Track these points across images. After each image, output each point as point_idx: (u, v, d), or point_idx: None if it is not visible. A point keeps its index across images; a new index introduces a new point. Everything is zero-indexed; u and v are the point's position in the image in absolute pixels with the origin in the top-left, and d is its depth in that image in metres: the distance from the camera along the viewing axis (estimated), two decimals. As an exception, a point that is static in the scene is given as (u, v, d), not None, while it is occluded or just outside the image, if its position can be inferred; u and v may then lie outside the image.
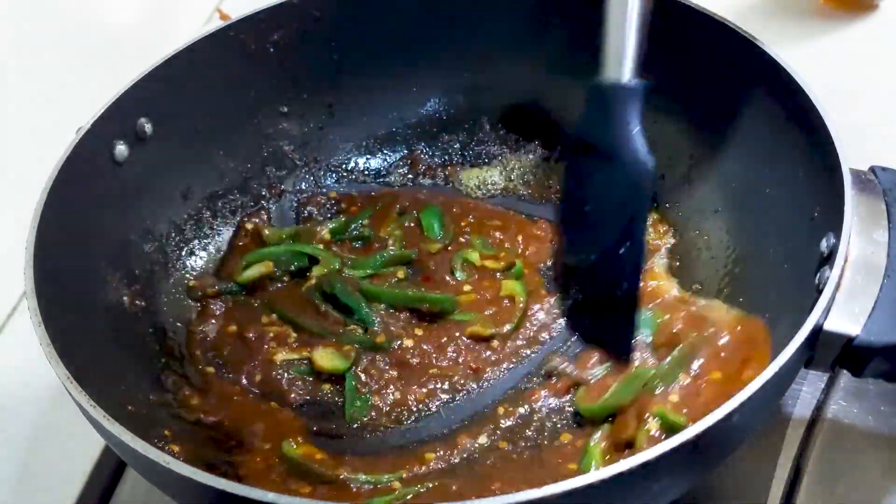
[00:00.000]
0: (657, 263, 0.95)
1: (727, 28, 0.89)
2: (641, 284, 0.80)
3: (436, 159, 1.09)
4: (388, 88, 1.07)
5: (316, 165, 1.07)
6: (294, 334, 0.91)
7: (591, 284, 0.81)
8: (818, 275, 0.72)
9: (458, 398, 0.86)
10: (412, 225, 1.01)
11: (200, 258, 0.99)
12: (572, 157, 0.83)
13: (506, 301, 0.93)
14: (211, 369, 0.88)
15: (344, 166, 1.08)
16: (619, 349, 0.81)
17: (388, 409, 0.85)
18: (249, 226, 1.01)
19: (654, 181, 0.77)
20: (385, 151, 1.10)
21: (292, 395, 0.86)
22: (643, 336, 0.85)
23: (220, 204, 1.01)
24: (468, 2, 1.02)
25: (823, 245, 0.74)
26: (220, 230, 1.01)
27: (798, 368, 0.70)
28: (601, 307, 0.81)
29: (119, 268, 0.89)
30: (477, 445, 0.81)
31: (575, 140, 0.81)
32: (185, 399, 0.85)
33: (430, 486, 0.76)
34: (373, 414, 0.85)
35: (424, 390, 0.86)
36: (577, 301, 0.83)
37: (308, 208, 1.04)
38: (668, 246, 0.96)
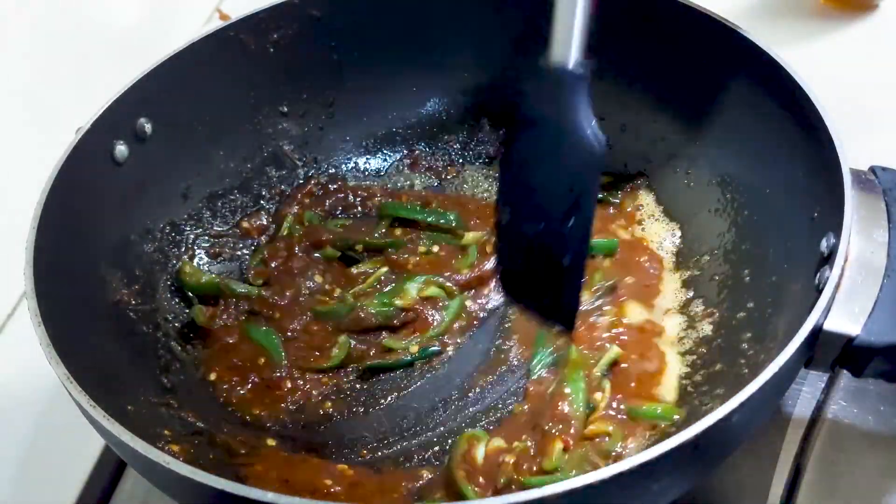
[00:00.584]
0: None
1: (727, 28, 0.89)
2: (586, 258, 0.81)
3: (436, 159, 1.09)
4: (388, 88, 1.07)
5: (316, 165, 1.07)
6: None
7: (535, 256, 0.81)
8: (818, 275, 0.72)
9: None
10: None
11: (200, 258, 0.98)
12: (518, 131, 0.82)
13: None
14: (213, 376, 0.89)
15: (344, 166, 1.08)
16: (563, 320, 0.82)
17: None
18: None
19: (601, 158, 0.76)
20: (385, 151, 1.10)
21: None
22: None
23: (219, 204, 1.01)
24: (468, 2, 1.02)
25: (823, 245, 0.74)
26: (220, 230, 1.01)
27: (798, 368, 0.70)
28: (546, 278, 0.81)
29: (119, 268, 0.89)
30: None
31: (522, 116, 0.81)
32: (184, 401, 0.85)
33: None
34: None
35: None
36: (519, 272, 0.84)
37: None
38: (673, 241, 0.97)
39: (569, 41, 0.74)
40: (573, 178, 0.77)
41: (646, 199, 1.01)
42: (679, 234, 0.97)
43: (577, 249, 0.79)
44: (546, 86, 0.78)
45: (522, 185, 0.81)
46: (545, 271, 0.81)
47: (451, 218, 1.01)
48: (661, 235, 0.98)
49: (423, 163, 1.09)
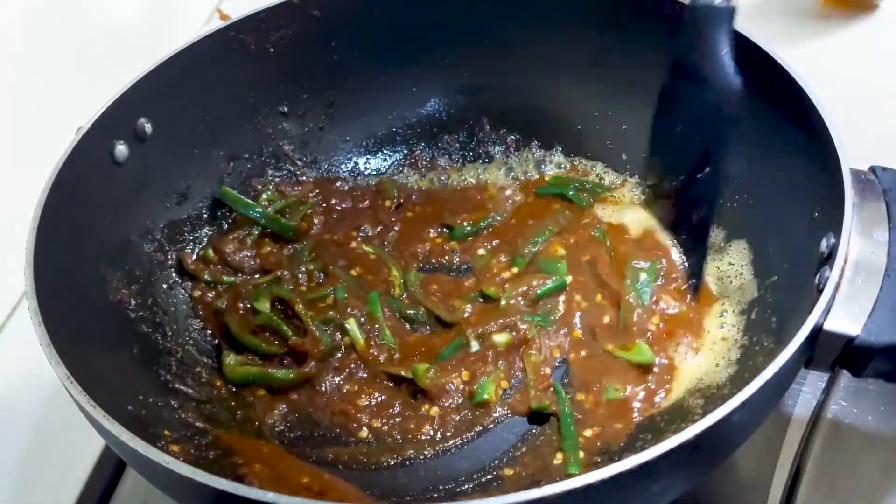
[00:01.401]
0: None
1: (727, 28, 0.89)
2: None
3: (436, 159, 1.09)
4: (388, 88, 1.07)
5: (316, 165, 1.07)
6: None
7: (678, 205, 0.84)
8: (818, 275, 0.72)
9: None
10: None
11: (202, 251, 0.98)
12: (668, 81, 0.85)
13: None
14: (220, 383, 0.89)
15: (344, 166, 1.08)
16: (689, 275, 0.84)
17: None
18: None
19: (737, 101, 0.80)
20: (385, 151, 1.10)
21: None
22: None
23: (220, 204, 1.01)
24: (468, 2, 1.02)
25: (823, 245, 0.74)
26: (220, 230, 1.01)
27: (798, 368, 0.70)
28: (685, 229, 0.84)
29: (119, 268, 0.89)
30: None
31: (672, 64, 0.84)
32: (185, 403, 0.85)
33: None
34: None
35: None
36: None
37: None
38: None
39: None
40: (709, 125, 0.79)
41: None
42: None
43: (707, 202, 0.80)
44: (691, 27, 0.80)
45: (668, 135, 0.83)
46: (683, 225, 0.83)
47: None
48: (665, 235, 0.97)
49: (424, 163, 1.09)
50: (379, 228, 1.02)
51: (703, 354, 0.85)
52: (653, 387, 0.82)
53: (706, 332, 0.86)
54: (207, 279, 0.96)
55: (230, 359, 0.89)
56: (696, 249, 0.83)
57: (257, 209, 1.00)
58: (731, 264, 0.90)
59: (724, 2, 0.78)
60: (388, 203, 1.04)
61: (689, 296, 0.87)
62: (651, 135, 0.86)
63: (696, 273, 0.85)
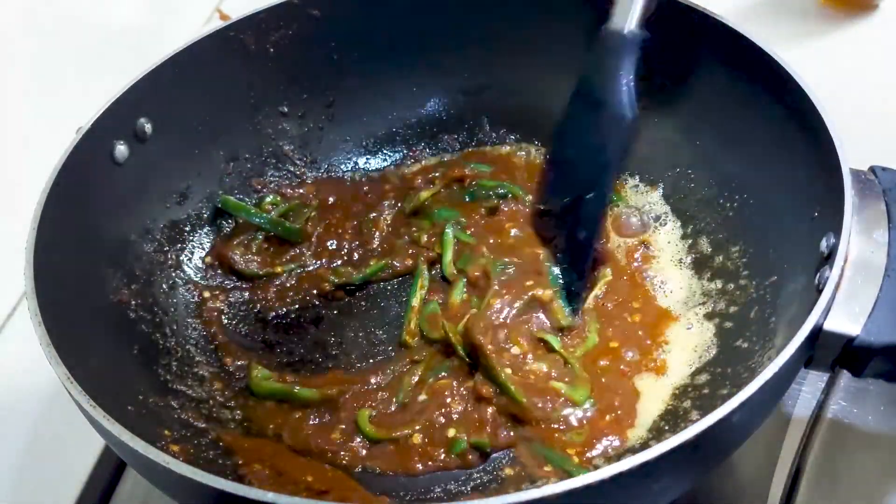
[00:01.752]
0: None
1: (727, 28, 0.89)
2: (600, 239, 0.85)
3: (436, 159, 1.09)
4: (387, 88, 1.07)
5: (316, 165, 1.07)
6: None
7: (561, 224, 0.86)
8: (818, 275, 0.72)
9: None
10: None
11: (200, 258, 0.98)
12: (570, 102, 0.86)
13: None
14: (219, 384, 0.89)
15: (344, 166, 1.08)
16: (570, 301, 0.85)
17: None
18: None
19: (632, 133, 0.82)
20: (385, 151, 1.10)
21: None
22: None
23: (219, 203, 1.01)
24: (468, 2, 1.02)
25: (823, 245, 0.74)
26: (221, 230, 1.01)
27: (798, 368, 0.70)
28: (567, 253, 0.85)
29: (119, 268, 0.89)
30: None
31: (576, 86, 0.85)
32: (185, 403, 0.85)
33: None
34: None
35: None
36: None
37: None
38: (675, 241, 0.97)
39: (627, 10, 0.81)
40: (601, 150, 0.81)
41: (651, 199, 1.00)
42: (682, 233, 0.97)
43: (591, 224, 0.81)
44: (598, 53, 0.82)
45: (562, 157, 0.84)
46: (567, 246, 0.84)
47: None
48: (665, 235, 0.97)
49: (424, 162, 1.09)
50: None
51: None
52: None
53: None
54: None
55: (257, 372, 0.88)
56: (577, 269, 0.84)
57: (261, 215, 0.99)
58: (730, 263, 0.90)
59: (631, 30, 0.80)
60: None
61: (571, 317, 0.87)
62: (549, 155, 0.88)
63: (575, 293, 0.85)
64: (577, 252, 0.83)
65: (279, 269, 0.97)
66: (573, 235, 0.83)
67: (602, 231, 0.84)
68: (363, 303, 0.97)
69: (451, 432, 0.81)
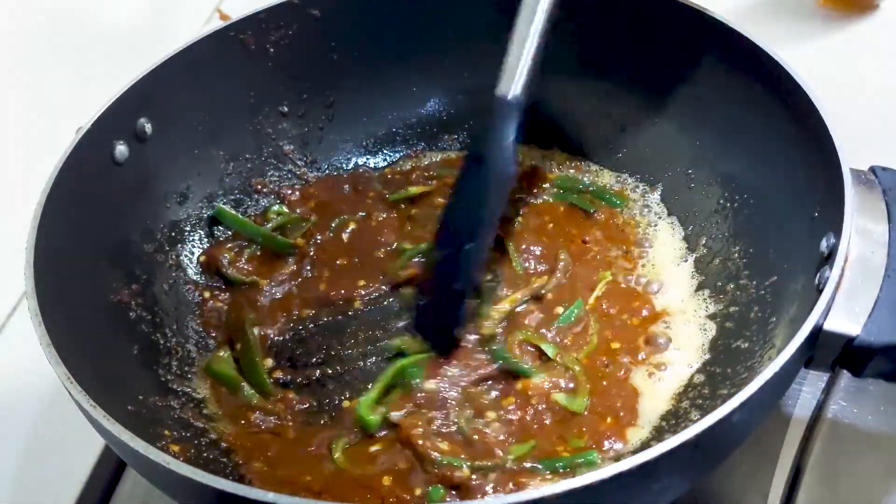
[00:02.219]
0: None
1: (727, 28, 0.89)
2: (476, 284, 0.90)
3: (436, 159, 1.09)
4: (388, 88, 1.07)
5: (316, 165, 1.07)
6: None
7: (432, 281, 0.90)
8: (818, 275, 0.72)
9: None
10: None
11: (201, 258, 0.98)
12: (463, 163, 0.93)
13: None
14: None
15: (344, 166, 1.08)
16: (440, 343, 0.87)
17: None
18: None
19: (505, 184, 0.90)
20: (385, 151, 1.10)
21: None
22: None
23: (220, 203, 1.01)
24: (468, 2, 1.02)
25: (823, 245, 0.74)
26: (221, 230, 1.01)
27: (798, 368, 0.70)
28: (439, 302, 0.89)
29: (119, 268, 0.89)
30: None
31: (469, 148, 0.94)
32: (185, 403, 0.85)
33: None
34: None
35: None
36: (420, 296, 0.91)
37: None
38: (675, 241, 0.97)
39: (513, 76, 0.87)
40: (485, 202, 0.88)
41: (651, 199, 1.00)
42: (682, 233, 0.97)
43: (466, 275, 0.87)
44: (487, 115, 0.89)
45: (452, 213, 0.91)
46: (441, 295, 0.88)
47: None
48: (665, 235, 0.98)
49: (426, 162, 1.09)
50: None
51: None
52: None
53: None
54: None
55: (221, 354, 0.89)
56: (452, 314, 0.87)
57: (254, 228, 0.99)
58: (731, 263, 0.90)
59: (515, 96, 0.86)
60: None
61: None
62: (443, 212, 0.93)
63: (447, 343, 0.87)
64: (454, 299, 0.87)
65: (262, 282, 0.96)
66: (447, 283, 0.87)
67: (476, 281, 0.89)
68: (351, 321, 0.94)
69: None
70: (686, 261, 0.95)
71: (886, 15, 1.25)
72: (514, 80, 0.87)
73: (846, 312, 0.69)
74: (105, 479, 0.91)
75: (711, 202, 0.95)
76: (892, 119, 1.10)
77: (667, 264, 0.95)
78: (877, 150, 0.83)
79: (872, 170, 0.78)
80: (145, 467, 0.65)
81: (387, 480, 0.78)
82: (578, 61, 1.02)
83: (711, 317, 0.88)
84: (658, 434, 0.80)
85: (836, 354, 0.70)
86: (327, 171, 1.08)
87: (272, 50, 1.01)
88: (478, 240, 0.87)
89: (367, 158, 1.09)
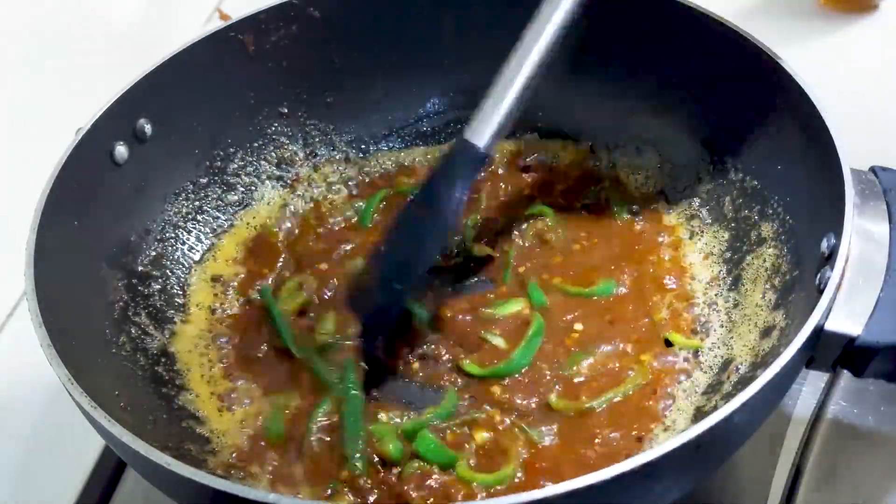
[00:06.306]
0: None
1: (727, 29, 0.89)
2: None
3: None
4: (387, 89, 1.07)
5: (316, 165, 1.07)
6: None
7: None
8: (819, 275, 0.72)
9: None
10: None
11: (200, 258, 0.98)
12: (406, 205, 0.89)
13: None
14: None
15: (344, 166, 1.08)
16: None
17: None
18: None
19: (447, 233, 0.87)
20: (385, 151, 1.09)
21: None
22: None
23: (220, 204, 1.01)
24: (468, 2, 1.02)
25: (824, 245, 0.74)
26: (220, 230, 1.01)
27: (799, 369, 0.70)
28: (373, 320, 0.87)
29: (119, 268, 0.89)
30: None
31: (418, 189, 0.89)
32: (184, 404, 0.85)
33: None
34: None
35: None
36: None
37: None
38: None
39: (489, 123, 0.82)
40: (423, 241, 0.84)
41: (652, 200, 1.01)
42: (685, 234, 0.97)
43: (397, 304, 0.85)
44: (447, 157, 0.85)
45: (392, 238, 0.87)
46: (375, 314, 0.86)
47: None
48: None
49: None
50: None
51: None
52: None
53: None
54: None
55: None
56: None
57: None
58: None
59: (484, 147, 0.81)
60: None
61: None
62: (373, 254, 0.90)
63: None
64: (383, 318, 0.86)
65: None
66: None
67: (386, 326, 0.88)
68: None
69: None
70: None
71: (886, 15, 1.25)
72: (490, 127, 0.82)
73: (847, 313, 0.69)
74: (105, 479, 0.91)
75: (711, 202, 0.95)
76: (892, 119, 1.10)
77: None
78: (877, 150, 0.83)
79: (873, 170, 0.78)
80: (145, 467, 0.65)
81: None
82: (578, 62, 1.01)
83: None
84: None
85: (836, 355, 0.70)
86: (327, 172, 1.08)
87: (272, 50, 1.00)
88: (405, 285, 0.84)
89: (367, 158, 1.09)
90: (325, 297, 0.93)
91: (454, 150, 0.84)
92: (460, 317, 0.90)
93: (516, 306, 0.90)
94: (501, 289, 0.93)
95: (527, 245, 0.97)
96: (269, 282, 0.96)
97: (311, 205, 1.04)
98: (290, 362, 0.89)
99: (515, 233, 0.98)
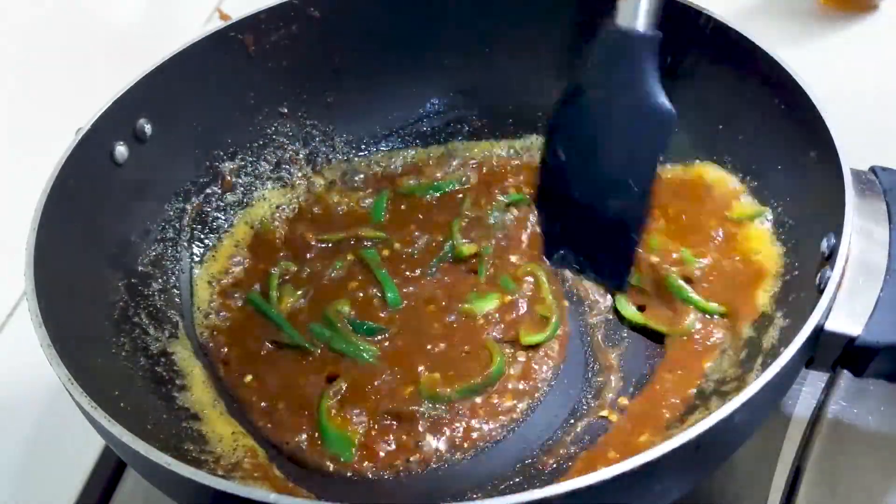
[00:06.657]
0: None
1: (727, 28, 0.89)
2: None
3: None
4: (388, 88, 1.07)
5: (316, 165, 1.07)
6: None
7: (588, 221, 0.85)
8: (819, 275, 0.72)
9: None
10: None
11: (200, 258, 0.98)
12: (574, 96, 0.83)
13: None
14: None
15: (344, 166, 1.08)
16: (616, 280, 0.86)
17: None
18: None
19: (672, 126, 0.81)
20: (385, 151, 1.09)
21: None
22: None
23: (220, 204, 1.01)
24: (468, 2, 1.02)
25: (824, 245, 0.74)
26: (220, 230, 1.01)
27: (799, 369, 0.70)
28: (600, 242, 0.85)
29: (119, 268, 0.89)
30: None
31: (579, 82, 0.83)
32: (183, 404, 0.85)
33: None
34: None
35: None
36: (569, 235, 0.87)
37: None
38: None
39: (638, 5, 0.76)
40: (637, 146, 0.80)
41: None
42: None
43: (639, 214, 0.82)
44: (610, 51, 0.79)
45: (576, 151, 0.82)
46: (600, 235, 0.83)
47: None
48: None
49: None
50: None
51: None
52: None
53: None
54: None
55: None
56: (624, 257, 0.86)
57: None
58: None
59: (648, 29, 0.76)
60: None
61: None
62: (547, 152, 0.87)
63: (623, 280, 0.87)
64: (627, 239, 0.83)
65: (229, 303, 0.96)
66: (609, 227, 0.83)
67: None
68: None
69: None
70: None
71: (886, 15, 1.25)
72: (639, 6, 0.77)
73: (847, 313, 0.69)
74: (105, 479, 0.91)
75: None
76: (892, 119, 1.10)
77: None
78: (877, 150, 0.83)
79: (873, 170, 0.78)
80: (145, 467, 0.65)
81: None
82: (578, 62, 1.02)
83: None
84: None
85: (836, 355, 0.70)
86: (327, 172, 1.08)
87: (272, 50, 1.01)
88: (647, 177, 0.80)
89: (368, 158, 1.09)
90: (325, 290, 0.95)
91: (621, 48, 0.79)
92: None
93: None
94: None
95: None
96: (274, 272, 0.97)
97: (311, 205, 1.04)
98: (292, 357, 0.89)
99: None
